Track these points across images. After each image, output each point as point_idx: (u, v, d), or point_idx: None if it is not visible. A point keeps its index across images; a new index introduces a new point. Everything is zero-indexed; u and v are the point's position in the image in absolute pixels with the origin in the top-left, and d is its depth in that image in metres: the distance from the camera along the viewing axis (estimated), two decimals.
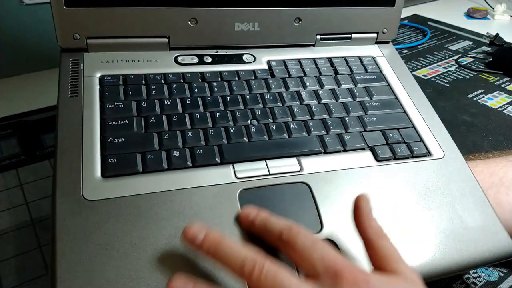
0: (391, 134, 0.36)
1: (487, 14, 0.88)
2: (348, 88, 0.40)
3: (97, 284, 0.24)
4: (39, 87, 0.57)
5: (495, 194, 0.35)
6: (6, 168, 0.44)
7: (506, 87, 0.60)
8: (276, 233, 0.25)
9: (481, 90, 0.59)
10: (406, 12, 0.86)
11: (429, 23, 0.82)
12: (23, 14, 0.54)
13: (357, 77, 0.41)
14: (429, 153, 0.35)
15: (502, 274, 0.35)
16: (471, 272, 0.36)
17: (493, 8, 0.88)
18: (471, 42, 0.75)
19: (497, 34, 0.73)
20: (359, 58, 0.43)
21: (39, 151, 0.46)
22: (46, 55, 0.58)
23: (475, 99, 0.57)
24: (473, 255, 0.30)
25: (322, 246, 0.24)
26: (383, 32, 0.44)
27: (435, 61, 0.67)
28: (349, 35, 0.43)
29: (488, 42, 0.74)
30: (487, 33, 0.76)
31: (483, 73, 0.63)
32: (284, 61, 0.41)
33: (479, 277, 0.35)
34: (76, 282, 0.24)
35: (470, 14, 0.87)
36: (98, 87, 0.34)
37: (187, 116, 0.34)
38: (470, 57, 0.68)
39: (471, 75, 0.63)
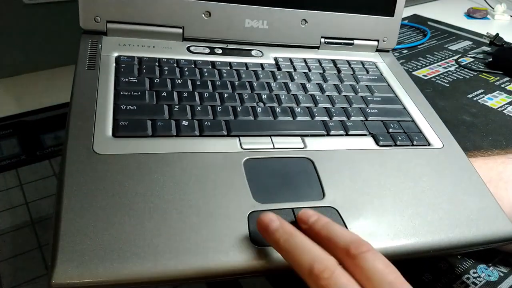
0: (391, 125, 0.37)
1: (487, 14, 0.88)
2: (350, 85, 0.41)
3: (101, 226, 0.24)
4: (39, 87, 0.58)
5: (494, 189, 0.35)
6: (6, 168, 0.44)
7: (506, 87, 0.61)
8: (342, 245, 0.23)
9: (481, 90, 0.59)
10: (406, 12, 0.86)
11: (429, 23, 0.82)
12: (23, 14, 0.56)
13: (359, 77, 0.43)
14: (428, 143, 0.36)
15: (502, 274, 0.35)
16: (471, 271, 0.35)
17: (493, 8, 0.88)
18: (471, 42, 0.75)
19: (497, 34, 0.73)
20: (361, 61, 0.45)
21: (39, 151, 0.47)
22: (46, 55, 0.60)
23: (475, 99, 0.57)
24: (474, 234, 0.30)
25: (394, 271, 0.23)
26: (384, 41, 0.47)
27: (435, 61, 0.67)
28: (352, 41, 0.46)
29: (488, 42, 0.74)
30: (487, 33, 0.76)
31: (483, 73, 0.64)
32: (290, 59, 0.43)
33: (479, 277, 0.35)
34: (80, 223, 0.24)
35: (470, 14, 0.87)
36: (114, 64, 0.36)
37: (196, 94, 0.35)
38: (470, 57, 0.69)
39: (471, 75, 0.64)
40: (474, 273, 0.35)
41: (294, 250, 0.23)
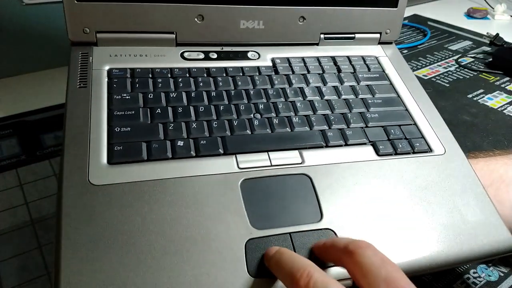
0: (392, 130, 0.36)
1: (487, 14, 0.88)
2: (350, 86, 0.40)
3: (100, 264, 0.25)
4: (39, 87, 0.57)
5: (496, 191, 0.35)
6: (6, 168, 0.44)
7: (506, 87, 0.61)
8: (342, 245, 0.24)
9: (481, 90, 0.59)
10: (406, 12, 0.85)
11: (429, 23, 0.82)
12: (23, 14, 0.54)
13: (360, 76, 0.41)
14: (430, 149, 0.36)
15: (502, 274, 0.35)
16: (471, 271, 0.36)
17: (493, 8, 0.88)
18: (471, 42, 0.75)
19: (497, 34, 0.74)
20: (362, 57, 0.44)
21: (39, 151, 0.46)
22: (46, 55, 0.58)
23: (475, 99, 0.57)
24: (473, 248, 0.30)
25: (392, 267, 0.22)
26: (386, 33, 0.45)
27: (435, 61, 0.67)
28: (353, 35, 0.44)
29: (488, 42, 0.74)
30: (487, 33, 0.76)
31: (483, 73, 0.63)
32: (288, 59, 0.41)
33: (479, 277, 0.35)
34: (80, 262, 0.24)
35: (470, 14, 0.87)
36: (106, 79, 0.35)
37: (192, 108, 0.34)
38: (470, 57, 0.68)
39: (471, 75, 0.63)
40: (474, 273, 0.35)
41: (281, 264, 0.24)
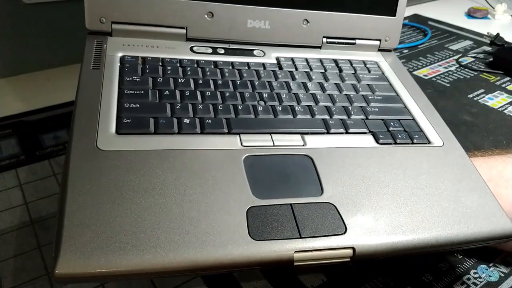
0: (392, 123, 0.38)
1: (488, 14, 0.88)
2: (351, 84, 0.42)
3: (102, 218, 0.25)
4: (39, 87, 0.57)
5: (494, 187, 0.36)
6: (6, 168, 0.44)
7: (507, 87, 0.61)
8: None
9: (482, 90, 0.59)
10: (407, 11, 0.86)
11: (429, 22, 0.83)
12: (23, 14, 0.55)
13: (361, 76, 0.43)
14: (428, 142, 0.37)
15: (502, 275, 0.35)
16: (471, 272, 0.35)
17: (493, 8, 0.89)
18: (471, 42, 0.75)
19: (498, 34, 0.74)
20: (363, 61, 0.46)
21: (39, 151, 0.46)
22: (46, 55, 0.59)
23: (475, 99, 0.57)
24: (472, 231, 0.30)
25: None
26: (386, 40, 0.47)
27: (436, 60, 0.68)
28: (354, 41, 0.47)
29: (489, 42, 0.74)
30: (488, 32, 0.76)
31: (484, 73, 0.64)
32: (292, 58, 0.43)
33: (480, 277, 0.35)
34: (84, 218, 0.25)
35: (471, 14, 0.88)
36: (118, 64, 0.37)
37: (198, 92, 0.36)
38: (471, 57, 0.69)
39: (472, 75, 0.64)
40: (474, 273, 0.35)
41: None
